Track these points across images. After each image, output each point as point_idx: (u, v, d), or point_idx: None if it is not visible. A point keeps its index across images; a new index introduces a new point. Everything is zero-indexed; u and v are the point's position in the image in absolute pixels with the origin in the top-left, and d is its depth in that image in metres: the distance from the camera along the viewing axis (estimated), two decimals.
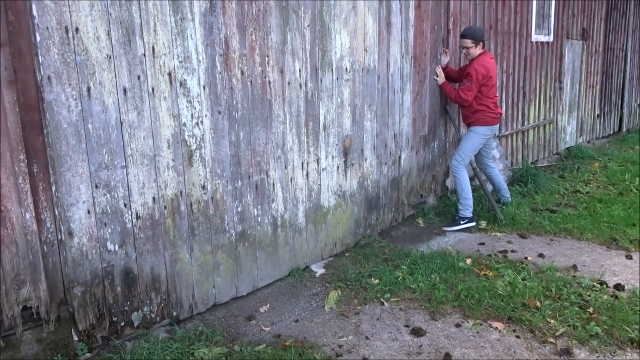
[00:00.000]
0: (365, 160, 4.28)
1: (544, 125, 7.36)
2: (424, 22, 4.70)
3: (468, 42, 4.86)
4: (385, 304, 3.41)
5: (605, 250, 4.23)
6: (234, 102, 3.17)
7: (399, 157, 4.67)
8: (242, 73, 3.20)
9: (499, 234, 4.69)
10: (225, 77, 3.10)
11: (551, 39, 7.18)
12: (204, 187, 3.04)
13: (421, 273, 3.78)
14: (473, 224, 4.91)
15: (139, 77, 2.69)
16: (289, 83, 3.51)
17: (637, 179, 6.34)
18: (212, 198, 3.09)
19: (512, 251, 4.27)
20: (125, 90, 2.65)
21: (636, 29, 10.04)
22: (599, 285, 3.54)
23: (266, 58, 3.33)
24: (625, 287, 3.53)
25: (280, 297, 3.53)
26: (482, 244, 4.48)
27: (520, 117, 6.77)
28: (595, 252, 4.21)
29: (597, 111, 9.07)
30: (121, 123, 2.63)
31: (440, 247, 4.37)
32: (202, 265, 3.08)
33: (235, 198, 3.25)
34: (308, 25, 3.58)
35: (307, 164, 3.75)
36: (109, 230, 2.61)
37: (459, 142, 5.08)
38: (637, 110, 10.88)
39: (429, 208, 5.30)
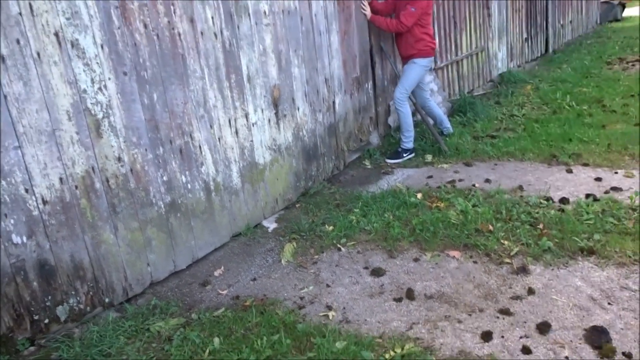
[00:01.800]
0: (298, 109, 4.05)
1: (477, 54, 7.32)
2: None
3: None
4: (342, 249, 3.31)
5: (547, 168, 4.26)
6: (141, 60, 2.82)
7: (333, 103, 4.46)
8: (146, 26, 2.84)
9: (445, 166, 4.63)
10: (125, 32, 2.74)
11: None
12: (119, 159, 2.73)
13: (374, 214, 3.69)
14: (413, 154, 4.96)
15: (18, 41, 2.31)
16: (202, 33, 3.18)
17: (567, 96, 6.45)
18: (131, 170, 2.79)
19: (460, 180, 4.22)
20: (3, 59, 2.26)
21: None
22: (545, 202, 3.55)
23: (171, 7, 2.98)
24: (570, 200, 3.56)
25: (234, 257, 3.36)
26: (430, 177, 4.41)
27: (453, 48, 6.67)
28: (538, 170, 4.23)
29: (525, 35, 9.14)
30: (5, 97, 2.26)
31: (390, 186, 4.27)
32: (130, 244, 2.81)
33: (159, 167, 2.95)
34: None
35: (235, 120, 3.48)
36: (12, 221, 2.29)
37: (399, 77, 4.94)
38: (561, 31, 11.09)
39: (374, 149, 5.17)
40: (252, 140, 3.64)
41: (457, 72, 6.82)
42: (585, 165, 4.19)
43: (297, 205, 4.11)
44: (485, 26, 7.51)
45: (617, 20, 15.47)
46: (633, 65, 8.19)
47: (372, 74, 5.13)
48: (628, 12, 17.31)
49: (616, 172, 3.97)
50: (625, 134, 4.70)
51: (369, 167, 4.90)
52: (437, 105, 5.49)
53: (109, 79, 2.67)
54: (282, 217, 3.94)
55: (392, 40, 5.35)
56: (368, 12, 4.75)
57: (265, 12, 3.62)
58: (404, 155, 4.91)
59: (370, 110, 5.06)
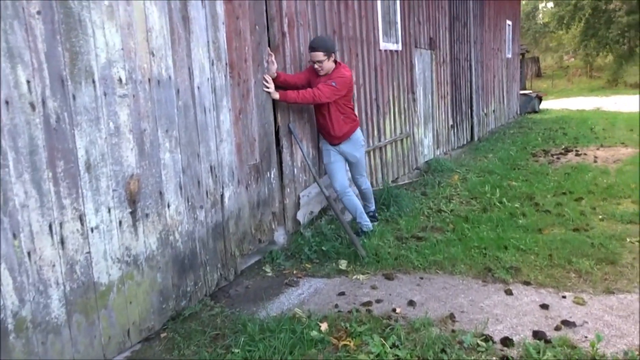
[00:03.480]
0: (168, 206, 3.07)
1: (402, 140, 6.79)
2: (239, 19, 3.67)
3: (320, 55, 4.12)
4: None
5: (481, 286, 3.48)
6: None
7: (222, 197, 3.52)
8: None
9: (361, 277, 3.75)
10: None
11: (400, 48, 6.67)
12: None
13: (260, 356, 2.67)
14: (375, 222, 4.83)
15: None
16: (6, 102, 2.19)
17: (497, 190, 5.94)
18: None
19: (378, 301, 3.33)
20: None
21: (477, 39, 10.22)
22: (484, 343, 2.69)
23: None
24: (515, 340, 2.73)
25: None
26: (342, 293, 3.50)
27: (376, 132, 6.07)
28: (471, 289, 3.44)
29: (451, 122, 8.89)
30: None
31: (290, 307, 3.30)
32: None
33: None
34: (38, 13, 2.31)
35: (61, 224, 2.43)
36: None
37: (321, 169, 4.27)
38: (485, 119, 11.11)
39: (278, 250, 4.22)
40: (89, 252, 2.58)
41: (380, 159, 6.19)
42: (527, 283, 3.45)
43: (162, 335, 3.01)
44: (410, 111, 7.07)
45: (535, 111, 16.15)
46: (558, 158, 8.02)
47: (279, 160, 4.30)
48: (544, 104, 18.29)
49: (564, 296, 3.25)
50: (566, 242, 4.08)
51: (270, 274, 3.93)
52: (357, 196, 4.71)
53: None
54: (135, 355, 2.82)
55: (306, 120, 4.61)
56: (272, 88, 3.99)
57: (121, 80, 2.71)
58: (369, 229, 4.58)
59: (274, 203, 4.16)
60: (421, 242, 4.31)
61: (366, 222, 4.56)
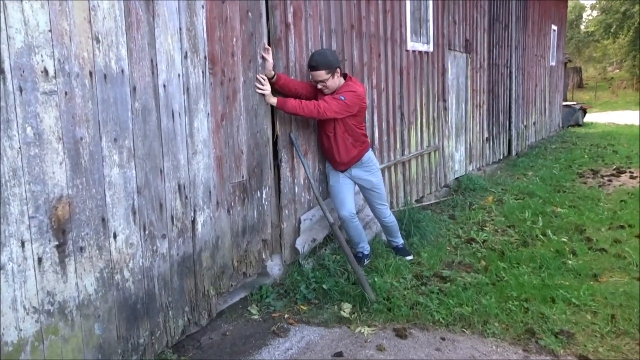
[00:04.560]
0: (115, 236, 2.37)
1: (429, 153, 5.98)
2: (226, 3, 2.96)
3: (322, 74, 3.46)
4: None
5: (523, 358, 2.66)
6: None
7: (193, 222, 2.81)
8: None
9: (367, 330, 2.98)
10: None
11: (431, 49, 5.87)
12: None
13: None
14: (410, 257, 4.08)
15: None
16: None
17: (539, 217, 5.07)
18: None
19: None
20: None
21: (519, 44, 9.30)
22: None
23: None
24: None
25: None
26: (340, 354, 2.74)
27: (399, 145, 5.29)
28: None
29: (486, 134, 8.01)
30: None
31: None
32: None
33: None
34: None
35: None
36: None
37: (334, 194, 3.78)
38: (525, 132, 10.15)
39: (269, 286, 3.50)
40: None
41: (402, 175, 5.40)
42: (584, 359, 2.61)
43: None
44: (440, 121, 6.25)
45: (578, 125, 14.99)
46: (609, 180, 7.04)
47: (277, 176, 3.59)
48: (589, 117, 17.04)
49: None
50: (632, 297, 3.21)
51: (256, 317, 3.20)
52: (373, 225, 3.97)
53: None
54: None
55: (312, 129, 3.88)
56: (267, 91, 3.28)
57: (46, 72, 2.04)
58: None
59: (265, 229, 3.44)
60: (445, 285, 3.50)
61: (366, 247, 3.94)
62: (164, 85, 2.56)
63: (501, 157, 8.79)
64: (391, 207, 5.12)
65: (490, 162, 8.28)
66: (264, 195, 3.39)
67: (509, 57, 8.79)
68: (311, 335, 2.97)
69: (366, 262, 3.92)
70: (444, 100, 6.33)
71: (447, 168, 6.55)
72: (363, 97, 3.60)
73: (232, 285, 3.15)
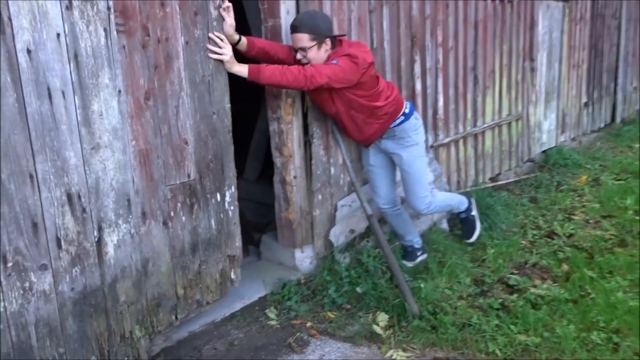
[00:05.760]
0: None
1: (509, 123, 5.07)
2: None
3: (304, 39, 2.63)
4: None
5: None
6: None
7: (98, 244, 2.15)
8: None
9: (399, 357, 2.39)
10: None
11: None
12: None
13: None
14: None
15: None
16: None
17: None
18: None
19: None
20: None
21: None
22: None
23: None
24: None
25: None
26: None
27: (470, 114, 4.47)
28: None
29: (584, 98, 6.79)
30: None
31: None
32: None
33: None
34: None
35: None
36: None
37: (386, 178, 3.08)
38: (633, 96, 8.62)
39: (295, 284, 3.00)
40: None
41: (474, 150, 4.59)
42: None
43: None
44: (525, 84, 5.27)
45: None
46: None
47: (307, 156, 3.01)
48: None
49: None
50: None
51: (274, 323, 2.72)
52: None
53: None
54: None
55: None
56: (227, 55, 2.46)
57: None
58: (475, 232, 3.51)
59: (232, 242, 2.68)
60: (510, 298, 2.79)
61: (416, 239, 3.25)
62: (28, 51, 1.87)
63: (602, 125, 7.51)
64: (458, 188, 4.37)
65: (589, 131, 7.07)
66: (227, 199, 2.65)
67: (618, 6, 7.34)
68: (332, 355, 2.44)
69: (419, 257, 3.26)
70: (532, 60, 5.31)
71: (532, 139, 5.58)
72: (364, 62, 2.63)
73: (177, 318, 2.48)
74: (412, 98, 3.77)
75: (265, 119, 3.11)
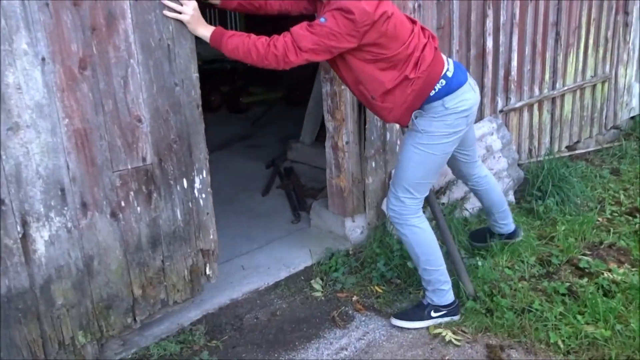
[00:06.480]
0: None
1: (594, 86, 4.56)
2: None
3: None
4: None
5: None
6: None
7: (23, 241, 1.82)
8: None
9: (449, 338, 2.23)
10: None
11: None
12: None
13: None
14: (456, 317, 2.35)
15: None
16: None
17: None
18: None
19: None
20: None
21: None
22: None
23: None
24: None
25: None
26: None
27: (548, 76, 4.04)
28: None
29: None
30: None
31: None
32: None
33: None
34: None
35: None
36: None
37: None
38: None
39: (344, 255, 2.89)
40: None
41: (550, 115, 4.17)
42: None
43: None
44: (616, 42, 4.68)
45: None
46: None
47: (360, 119, 2.82)
48: None
49: None
50: None
51: (318, 294, 2.64)
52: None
53: None
54: None
55: None
56: (187, 14, 2.01)
57: None
58: (432, 314, 2.32)
59: (205, 234, 2.33)
60: (579, 282, 2.52)
61: (507, 226, 2.75)
62: None
63: None
64: (529, 157, 4.02)
65: None
66: (196, 185, 2.25)
67: None
68: (376, 333, 2.33)
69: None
70: (626, 13, 4.68)
71: (620, 104, 5.01)
72: (365, 17, 1.89)
73: (135, 320, 2.18)
74: (482, 57, 3.43)
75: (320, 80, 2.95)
